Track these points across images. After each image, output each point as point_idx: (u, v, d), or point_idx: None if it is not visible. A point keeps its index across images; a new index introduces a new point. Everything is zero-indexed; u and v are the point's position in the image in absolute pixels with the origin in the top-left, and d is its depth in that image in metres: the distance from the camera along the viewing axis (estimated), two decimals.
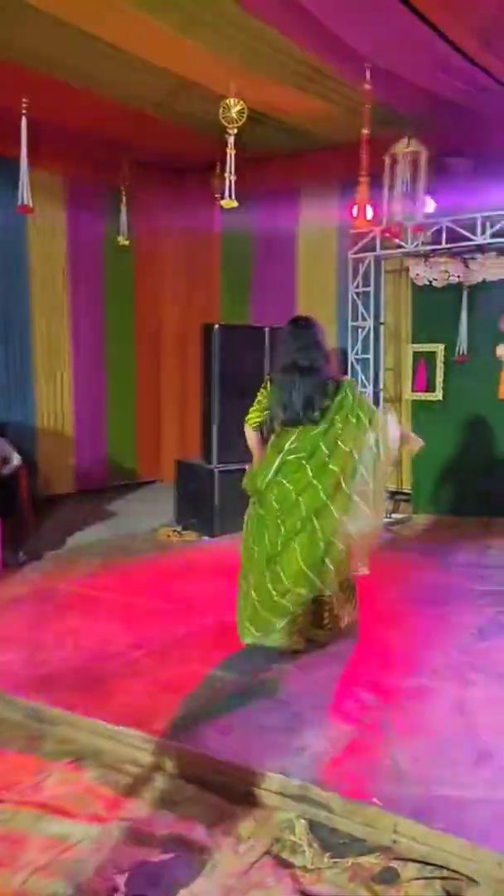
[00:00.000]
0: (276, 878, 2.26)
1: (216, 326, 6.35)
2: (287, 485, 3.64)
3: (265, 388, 3.86)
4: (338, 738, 2.91)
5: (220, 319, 7.86)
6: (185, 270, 8.61)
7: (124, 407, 8.49)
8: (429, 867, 2.28)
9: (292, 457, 3.65)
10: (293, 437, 3.68)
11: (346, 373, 6.55)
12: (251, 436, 3.93)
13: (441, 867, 2.27)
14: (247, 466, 3.96)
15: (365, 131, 4.52)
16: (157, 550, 6.12)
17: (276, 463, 3.68)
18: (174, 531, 6.59)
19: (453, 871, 2.25)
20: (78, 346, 7.85)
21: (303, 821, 2.50)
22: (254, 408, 3.89)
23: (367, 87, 4.52)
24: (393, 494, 7.51)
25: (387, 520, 7.02)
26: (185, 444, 8.45)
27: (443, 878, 2.23)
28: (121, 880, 2.21)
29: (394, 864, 2.30)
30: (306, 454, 3.63)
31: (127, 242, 6.93)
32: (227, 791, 2.65)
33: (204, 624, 4.19)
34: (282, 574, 3.58)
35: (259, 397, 3.88)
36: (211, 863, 2.32)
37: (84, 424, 8.00)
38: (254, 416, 3.88)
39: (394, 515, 7.18)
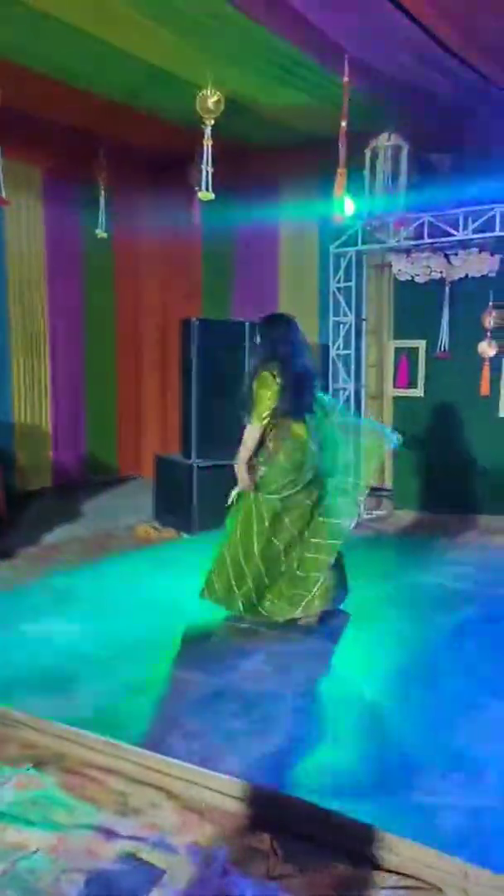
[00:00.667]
0: (238, 887, 2.20)
1: (194, 321, 6.28)
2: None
3: (267, 385, 3.86)
4: (307, 742, 2.85)
5: (202, 313, 7.77)
6: (166, 264, 8.51)
7: (104, 402, 8.40)
8: (395, 876, 2.23)
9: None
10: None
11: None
12: (258, 433, 3.92)
13: (409, 876, 2.22)
14: (241, 464, 3.96)
15: (343, 124, 4.45)
16: (134, 547, 6.05)
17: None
18: (153, 527, 6.52)
19: (421, 880, 2.20)
20: (56, 339, 7.75)
21: (265, 827, 2.44)
22: (265, 405, 3.87)
23: (346, 79, 4.44)
24: (374, 491, 7.47)
25: (368, 516, 6.98)
26: (166, 439, 8.38)
27: (409, 888, 2.18)
28: (75, 891, 2.14)
29: (361, 873, 2.25)
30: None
31: (105, 235, 6.82)
32: (190, 797, 2.59)
33: (176, 623, 4.13)
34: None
35: (268, 393, 3.87)
36: (169, 872, 2.26)
37: (62, 419, 7.91)
38: (267, 414, 3.89)
39: (375, 512, 7.15)
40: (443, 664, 3.60)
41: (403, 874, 2.21)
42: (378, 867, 2.23)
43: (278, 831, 2.40)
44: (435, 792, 2.55)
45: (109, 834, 2.42)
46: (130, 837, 2.40)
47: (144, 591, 4.73)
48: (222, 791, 2.57)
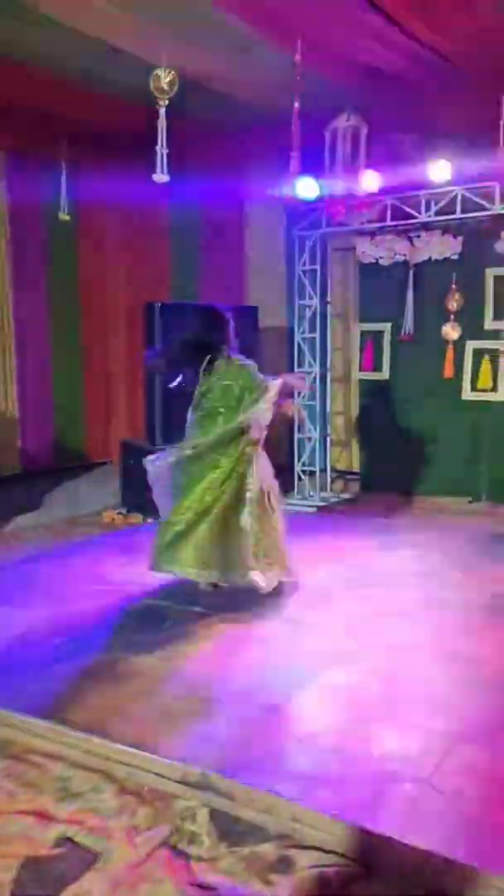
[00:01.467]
0: (169, 869, 2.22)
1: (157, 305, 6.23)
2: None
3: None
4: (246, 725, 2.87)
5: (170, 297, 7.73)
6: (132, 246, 8.43)
7: (72, 386, 8.35)
8: (324, 854, 2.26)
9: None
10: None
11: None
12: None
13: (335, 853, 2.24)
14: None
15: (296, 104, 4.41)
16: (100, 533, 6.04)
17: None
18: (119, 513, 6.51)
19: (346, 856, 2.23)
20: (21, 323, 7.67)
21: (204, 809, 2.46)
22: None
23: (299, 57, 4.40)
24: (342, 474, 7.51)
25: (335, 499, 7.02)
26: (135, 425, 8.33)
27: (336, 865, 2.20)
28: (6, 877, 2.15)
29: (290, 852, 2.28)
30: None
31: (69, 217, 6.75)
32: (129, 781, 2.60)
33: (133, 608, 4.14)
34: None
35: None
36: (104, 855, 2.27)
37: (29, 404, 7.84)
38: None
39: (342, 495, 7.18)
40: (394, 644, 3.63)
41: (331, 851, 2.24)
42: (298, 845, 2.26)
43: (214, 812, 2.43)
44: (370, 769, 2.57)
45: (47, 819, 2.44)
46: (68, 822, 2.41)
47: (106, 576, 4.73)
48: (162, 774, 2.59)
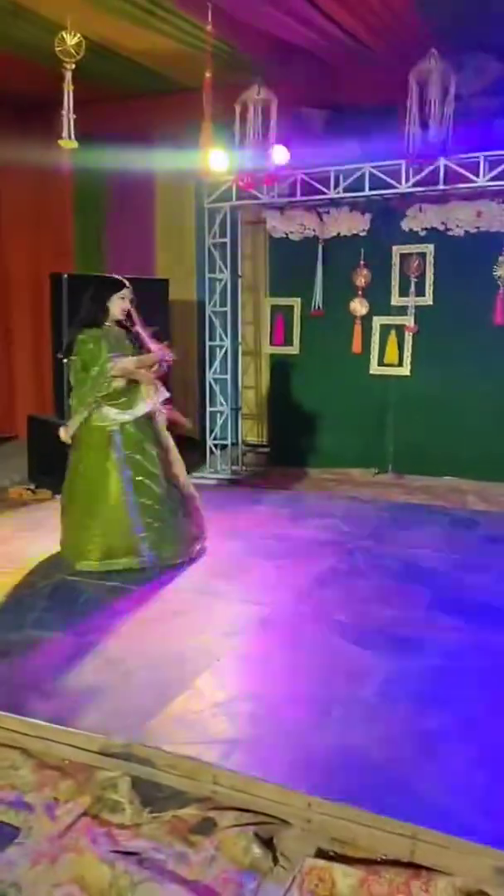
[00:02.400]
0: (92, 838, 2.24)
1: (64, 276, 6.07)
2: None
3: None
4: (164, 695, 2.90)
5: (74, 268, 7.53)
6: (34, 215, 8.14)
7: None
8: (245, 814, 2.33)
9: None
10: None
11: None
12: None
13: (256, 813, 2.32)
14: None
15: (208, 74, 4.37)
16: (7, 509, 5.89)
17: None
18: (27, 489, 6.36)
19: (267, 815, 2.31)
20: None
21: (126, 778, 2.49)
22: None
23: (209, 27, 4.35)
24: (253, 447, 7.59)
25: (246, 472, 7.09)
26: (42, 399, 8.12)
27: (257, 824, 2.28)
28: None
29: (212, 814, 2.34)
30: None
31: None
32: (48, 755, 2.60)
33: (44, 585, 4.08)
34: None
35: None
36: (25, 829, 2.27)
37: None
38: None
39: (253, 468, 7.26)
40: (304, 612, 3.74)
41: (252, 811, 2.32)
42: (219, 807, 2.33)
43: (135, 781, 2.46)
44: (287, 732, 2.66)
45: None
46: None
47: (13, 553, 4.64)
48: (82, 746, 2.60)
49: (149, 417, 4.39)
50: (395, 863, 2.11)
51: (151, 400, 4.33)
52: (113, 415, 4.28)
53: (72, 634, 3.43)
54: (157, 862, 2.13)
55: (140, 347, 4.38)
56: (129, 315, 4.34)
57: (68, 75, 4.56)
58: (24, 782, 2.48)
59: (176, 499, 4.42)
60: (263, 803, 2.34)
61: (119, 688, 2.95)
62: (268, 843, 2.20)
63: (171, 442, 4.53)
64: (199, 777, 2.45)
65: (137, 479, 4.29)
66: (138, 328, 4.38)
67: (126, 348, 4.31)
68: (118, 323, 4.33)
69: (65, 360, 4.64)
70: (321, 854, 2.16)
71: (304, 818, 2.24)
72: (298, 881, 2.06)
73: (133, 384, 4.32)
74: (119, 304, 4.27)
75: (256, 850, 2.15)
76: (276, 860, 2.16)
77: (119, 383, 4.27)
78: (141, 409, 4.31)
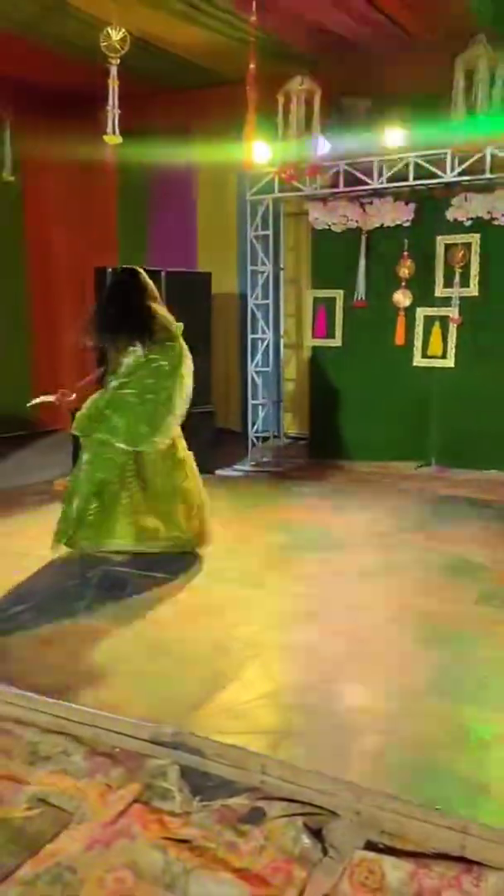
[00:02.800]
0: (143, 824, 2.27)
1: (108, 270, 6.12)
2: None
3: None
4: (213, 685, 2.92)
5: (118, 262, 7.59)
6: (79, 209, 8.24)
7: (18, 352, 8.16)
8: (294, 804, 2.34)
9: None
10: None
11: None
12: None
13: (305, 803, 2.33)
14: None
15: (252, 66, 4.35)
16: (52, 502, 5.98)
17: None
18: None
19: (316, 806, 2.32)
20: None
21: (175, 767, 2.52)
22: None
23: (254, 18, 4.33)
24: (295, 440, 7.59)
25: (288, 464, 7.09)
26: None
27: (305, 815, 2.29)
28: None
29: (260, 803, 2.35)
30: None
31: (13, 178, 6.55)
32: (98, 743, 2.64)
33: (91, 575, 4.14)
34: None
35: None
36: (78, 815, 2.31)
37: None
38: None
39: (295, 460, 7.26)
40: (340, 610, 3.72)
41: (300, 801, 2.32)
42: (268, 797, 2.34)
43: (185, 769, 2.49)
44: (322, 723, 2.67)
45: (19, 783, 2.46)
46: (39, 785, 2.44)
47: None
48: (132, 735, 2.64)
49: None
50: (446, 856, 2.10)
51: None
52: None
53: (119, 624, 3.48)
54: (208, 850, 2.15)
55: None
56: None
57: (113, 70, 4.59)
58: (77, 769, 2.53)
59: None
60: (312, 794, 2.34)
61: (168, 677, 2.99)
62: (317, 834, 2.21)
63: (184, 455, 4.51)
64: (247, 766, 2.47)
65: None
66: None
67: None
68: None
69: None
70: (371, 846, 2.16)
71: (353, 810, 2.24)
72: (348, 873, 2.06)
73: None
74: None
75: (306, 840, 2.16)
76: (325, 851, 2.16)
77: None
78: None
